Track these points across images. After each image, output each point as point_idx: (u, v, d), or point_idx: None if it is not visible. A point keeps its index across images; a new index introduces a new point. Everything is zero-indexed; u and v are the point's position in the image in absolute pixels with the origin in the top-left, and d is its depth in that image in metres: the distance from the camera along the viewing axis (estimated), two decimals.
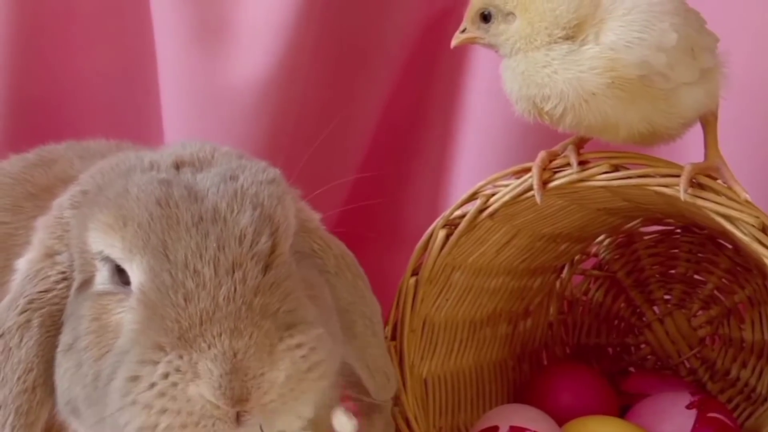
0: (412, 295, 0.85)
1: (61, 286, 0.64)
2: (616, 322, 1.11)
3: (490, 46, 0.79)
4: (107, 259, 0.61)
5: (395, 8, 1.15)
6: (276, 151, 1.12)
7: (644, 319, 1.09)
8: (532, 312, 1.08)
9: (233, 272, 0.57)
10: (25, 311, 0.63)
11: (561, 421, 0.92)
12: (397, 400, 0.84)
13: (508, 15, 0.77)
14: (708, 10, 0.79)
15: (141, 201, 0.60)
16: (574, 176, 0.79)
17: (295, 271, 0.62)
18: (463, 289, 0.93)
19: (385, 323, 0.86)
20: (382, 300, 0.87)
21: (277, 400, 0.57)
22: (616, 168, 0.78)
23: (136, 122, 1.23)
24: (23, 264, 0.67)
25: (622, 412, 0.98)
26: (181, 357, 0.55)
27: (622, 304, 1.11)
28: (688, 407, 0.90)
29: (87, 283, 0.63)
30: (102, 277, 0.62)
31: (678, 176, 0.75)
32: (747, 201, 0.73)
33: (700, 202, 0.74)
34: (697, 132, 0.80)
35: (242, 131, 1.11)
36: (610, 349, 1.12)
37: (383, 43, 1.16)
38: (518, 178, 0.82)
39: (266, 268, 0.59)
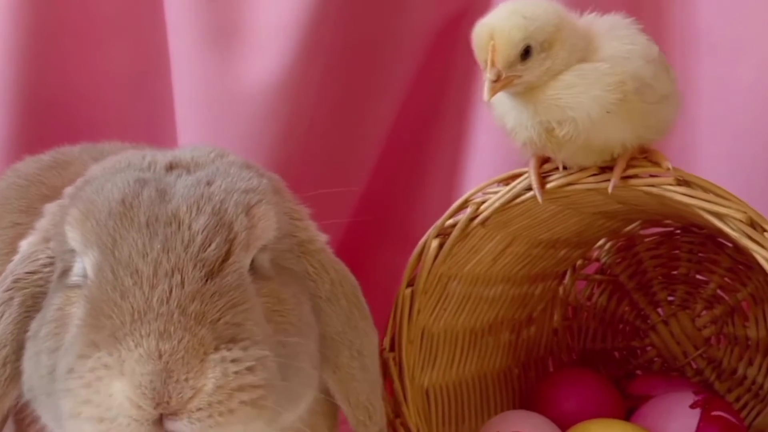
0: (408, 306, 0.85)
1: (47, 270, 0.66)
2: (621, 325, 1.11)
3: (522, 84, 0.74)
4: (76, 252, 0.62)
5: (409, 11, 1.15)
6: (289, 153, 1.12)
7: (649, 321, 1.09)
8: (535, 319, 1.08)
9: (172, 275, 0.57)
10: (10, 289, 0.65)
11: (568, 428, 0.92)
12: (398, 412, 0.84)
13: (543, 43, 0.73)
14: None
15: (108, 198, 0.61)
16: (563, 180, 0.80)
17: (249, 284, 0.60)
18: (461, 299, 0.93)
19: (384, 334, 0.86)
20: (391, 306, 0.87)
21: (204, 410, 0.55)
22: (602, 170, 0.78)
23: (150, 124, 1.25)
24: (23, 245, 0.69)
25: (629, 415, 0.97)
26: (110, 354, 0.55)
27: (627, 308, 1.11)
28: (692, 406, 0.89)
29: (65, 273, 0.64)
30: (76, 270, 0.63)
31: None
32: (734, 196, 0.74)
33: (687, 199, 0.74)
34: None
35: (256, 133, 1.11)
36: (616, 354, 1.11)
37: (396, 45, 1.16)
38: (507, 185, 0.83)
39: (211, 276, 0.58)
